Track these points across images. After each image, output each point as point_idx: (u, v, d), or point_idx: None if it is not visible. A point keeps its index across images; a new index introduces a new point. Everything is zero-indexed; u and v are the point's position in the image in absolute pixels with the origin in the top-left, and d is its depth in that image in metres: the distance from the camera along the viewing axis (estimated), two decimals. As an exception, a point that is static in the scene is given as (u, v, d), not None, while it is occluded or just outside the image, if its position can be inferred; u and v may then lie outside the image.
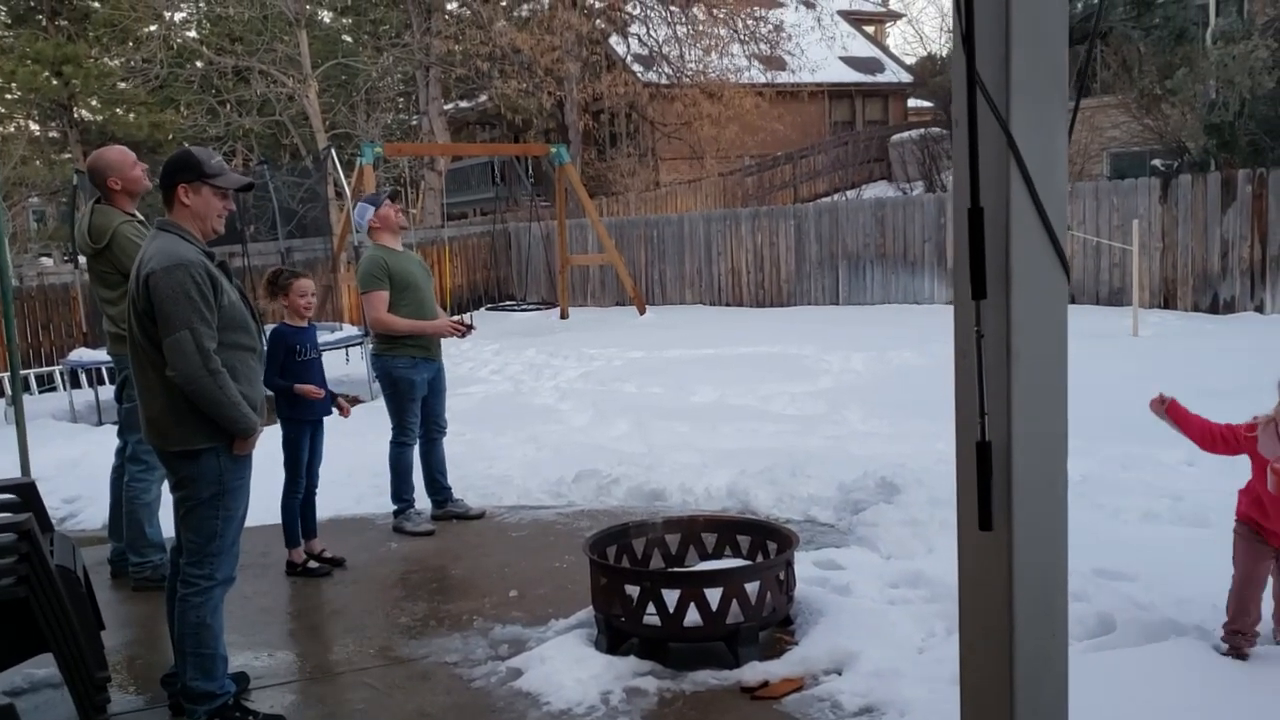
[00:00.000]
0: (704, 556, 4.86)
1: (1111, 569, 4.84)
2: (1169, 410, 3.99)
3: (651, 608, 4.17)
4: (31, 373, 13.62)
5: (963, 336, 1.47)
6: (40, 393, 13.39)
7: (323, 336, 12.75)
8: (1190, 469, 6.63)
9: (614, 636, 4.31)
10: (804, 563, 5.03)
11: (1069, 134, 1.42)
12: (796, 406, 9.67)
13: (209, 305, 3.61)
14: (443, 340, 6.54)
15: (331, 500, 6.68)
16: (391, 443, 6.38)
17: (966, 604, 1.61)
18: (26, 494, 4.19)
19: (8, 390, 13.32)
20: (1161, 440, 7.33)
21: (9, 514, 3.85)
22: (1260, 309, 12.92)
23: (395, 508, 6.42)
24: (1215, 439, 3.95)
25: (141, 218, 5.38)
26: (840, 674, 4.01)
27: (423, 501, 6.57)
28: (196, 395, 3.60)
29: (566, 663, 4.14)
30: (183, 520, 3.76)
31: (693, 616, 4.14)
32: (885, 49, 35.87)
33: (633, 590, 4.22)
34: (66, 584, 3.72)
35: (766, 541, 4.73)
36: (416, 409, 6.37)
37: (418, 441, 6.46)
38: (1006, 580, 1.49)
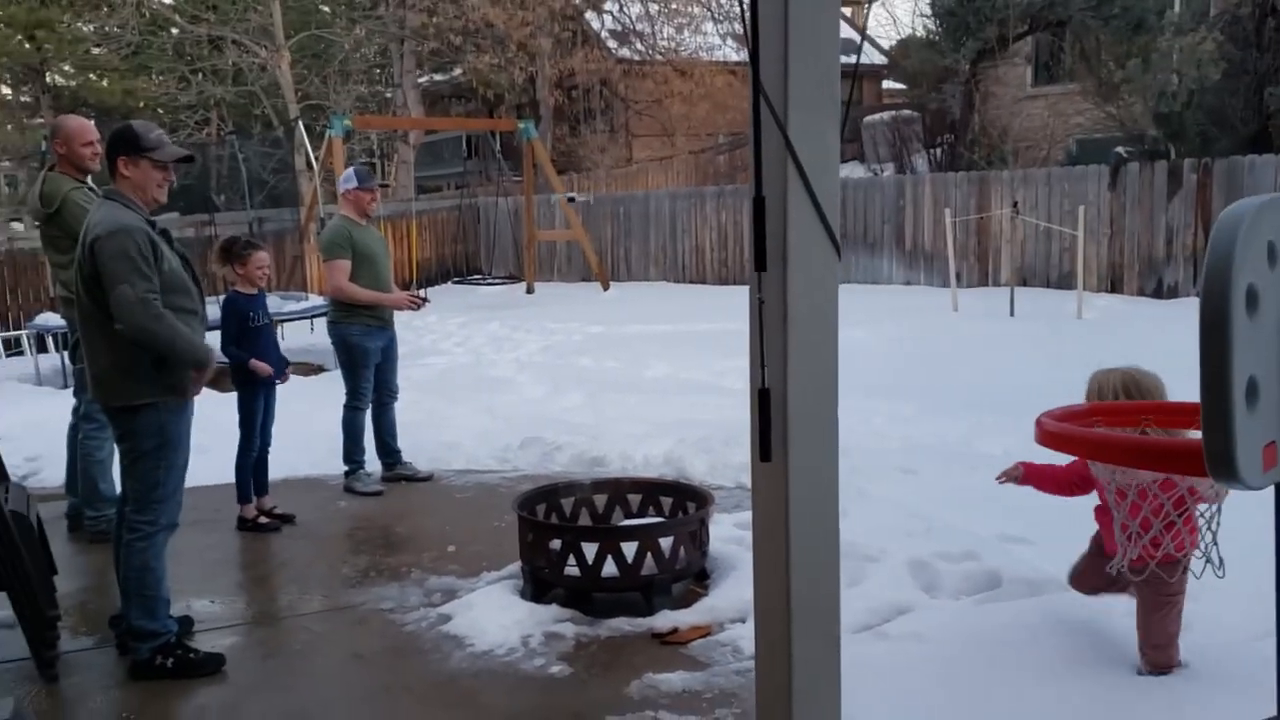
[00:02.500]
0: (629, 515, 5.18)
1: (1013, 534, 5.18)
2: (1026, 477, 3.95)
3: (573, 560, 4.48)
4: (-3, 336, 13.77)
5: (751, 303, 1.77)
6: (7, 357, 13.55)
7: (288, 306, 13.05)
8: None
9: (538, 587, 4.62)
10: (725, 524, 5.34)
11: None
12: (747, 382, 9.96)
13: (149, 266, 3.84)
14: (398, 312, 6.83)
15: (287, 462, 6.96)
16: (345, 406, 6.66)
17: (758, 526, 1.91)
18: (-16, 445, 4.44)
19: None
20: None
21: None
22: (1202, 294, 13.30)
23: (346, 469, 6.70)
24: (1070, 483, 3.90)
25: (92, 185, 5.61)
26: (744, 622, 4.31)
27: (374, 464, 6.85)
28: (146, 341, 3.84)
29: (492, 609, 4.45)
30: (127, 470, 4.04)
31: (610, 568, 4.45)
32: (862, 31, 36.09)
33: (556, 544, 4.53)
34: (20, 528, 3.98)
35: (687, 502, 5.04)
36: (369, 375, 6.65)
37: (370, 406, 6.74)
38: (784, 503, 1.79)
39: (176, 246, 4.11)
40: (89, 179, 5.64)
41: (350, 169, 6.84)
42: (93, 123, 5.78)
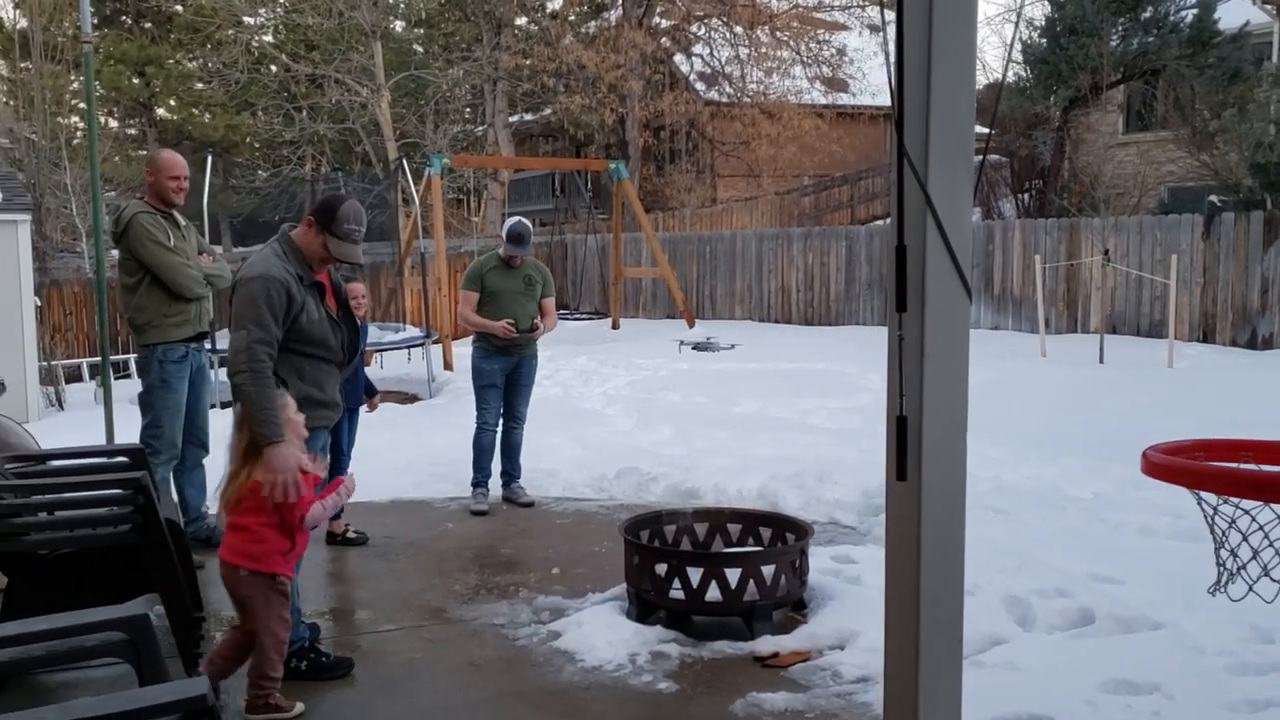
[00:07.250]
0: (728, 544, 5.38)
1: (1103, 574, 5.27)
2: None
3: (677, 583, 4.70)
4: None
5: (891, 339, 1.98)
6: (115, 379, 14.14)
7: (386, 336, 13.50)
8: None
9: (643, 608, 4.84)
10: (822, 556, 5.51)
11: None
12: (834, 420, 10.11)
13: (274, 317, 3.97)
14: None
15: (393, 485, 7.36)
16: (476, 425, 7.09)
17: (891, 539, 2.11)
18: (137, 456, 4.80)
19: (85, 376, 14.18)
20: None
21: (126, 472, 4.46)
22: (1298, 346, 13.17)
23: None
24: None
25: (169, 213, 5.81)
26: (843, 649, 4.49)
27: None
28: (235, 389, 3.94)
29: (600, 628, 4.68)
30: None
31: (713, 593, 4.66)
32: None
33: (661, 567, 4.76)
34: (172, 534, 4.31)
35: (785, 533, 5.23)
36: (488, 395, 7.01)
37: (497, 428, 7.12)
38: (917, 517, 1.99)
39: (342, 290, 4.38)
40: (175, 212, 5.87)
41: (508, 225, 7.15)
42: (183, 159, 5.97)
